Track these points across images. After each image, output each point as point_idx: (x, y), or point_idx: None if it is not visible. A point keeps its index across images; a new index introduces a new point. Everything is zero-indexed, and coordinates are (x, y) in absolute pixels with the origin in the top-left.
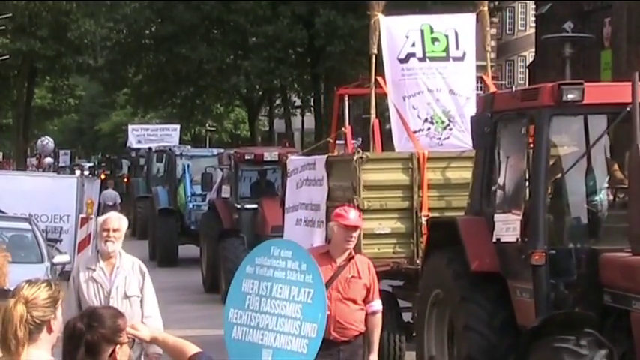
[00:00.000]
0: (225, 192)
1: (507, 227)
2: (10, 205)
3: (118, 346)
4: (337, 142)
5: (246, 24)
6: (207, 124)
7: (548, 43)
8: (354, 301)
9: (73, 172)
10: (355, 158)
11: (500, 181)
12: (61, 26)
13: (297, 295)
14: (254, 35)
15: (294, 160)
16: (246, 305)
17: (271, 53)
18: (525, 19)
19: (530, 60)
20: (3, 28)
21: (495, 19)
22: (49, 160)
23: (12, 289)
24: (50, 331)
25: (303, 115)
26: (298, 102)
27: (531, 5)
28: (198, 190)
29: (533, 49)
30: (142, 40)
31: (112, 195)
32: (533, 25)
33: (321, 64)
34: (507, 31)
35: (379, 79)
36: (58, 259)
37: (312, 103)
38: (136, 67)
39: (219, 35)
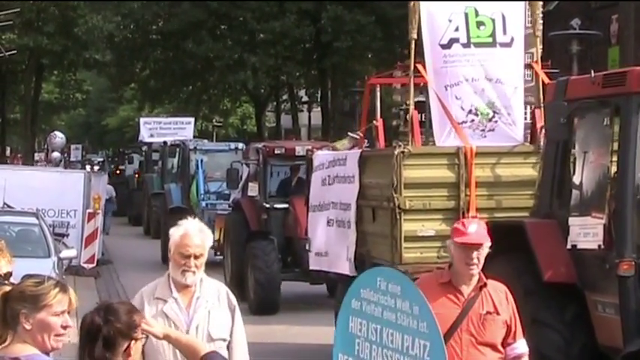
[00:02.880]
0: (253, 190)
1: (586, 232)
2: (17, 199)
3: (133, 341)
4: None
5: (253, 21)
6: (214, 120)
7: (556, 40)
8: (493, 347)
9: (84, 167)
10: (396, 153)
11: (577, 179)
12: (68, 22)
13: (412, 347)
14: (261, 32)
15: (321, 155)
16: (356, 352)
17: (279, 50)
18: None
19: None
20: (10, 23)
21: None
22: (56, 154)
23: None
24: (23, 330)
25: (310, 111)
26: (305, 98)
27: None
28: (212, 187)
29: (541, 46)
30: (149, 36)
31: (107, 189)
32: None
33: (327, 59)
34: None
35: (419, 66)
36: (65, 253)
37: (319, 99)
38: (143, 62)
39: (226, 31)
